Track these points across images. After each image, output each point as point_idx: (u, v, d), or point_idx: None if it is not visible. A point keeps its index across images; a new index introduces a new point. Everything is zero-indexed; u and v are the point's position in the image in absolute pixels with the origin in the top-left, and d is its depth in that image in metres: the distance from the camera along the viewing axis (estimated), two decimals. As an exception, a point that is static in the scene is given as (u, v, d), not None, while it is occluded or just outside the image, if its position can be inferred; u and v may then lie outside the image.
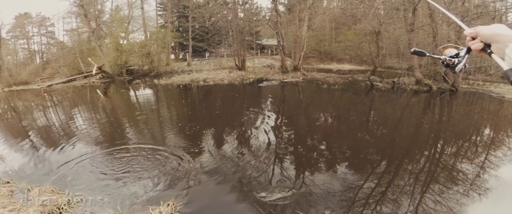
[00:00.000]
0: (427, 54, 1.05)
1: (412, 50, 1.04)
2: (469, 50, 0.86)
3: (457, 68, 0.94)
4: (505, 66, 0.65)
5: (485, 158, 5.46)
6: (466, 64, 0.93)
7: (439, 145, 6.53)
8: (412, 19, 16.17)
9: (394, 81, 15.95)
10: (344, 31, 30.32)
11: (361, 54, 27.41)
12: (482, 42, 0.75)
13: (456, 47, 0.98)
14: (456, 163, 5.31)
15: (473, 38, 0.80)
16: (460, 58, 0.93)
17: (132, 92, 19.52)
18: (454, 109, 10.87)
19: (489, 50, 0.73)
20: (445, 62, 0.96)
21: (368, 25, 22.27)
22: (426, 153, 6.00)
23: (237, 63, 27.14)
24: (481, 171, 4.86)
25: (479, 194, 4.14)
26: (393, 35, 21.78)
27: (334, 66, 28.58)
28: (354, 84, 17.40)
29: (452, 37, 16.55)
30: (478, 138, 6.90)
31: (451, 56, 0.95)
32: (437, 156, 5.87)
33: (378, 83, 16.32)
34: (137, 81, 25.22)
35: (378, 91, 14.62)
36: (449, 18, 17.82)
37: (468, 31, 0.82)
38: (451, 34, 16.85)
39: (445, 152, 6.05)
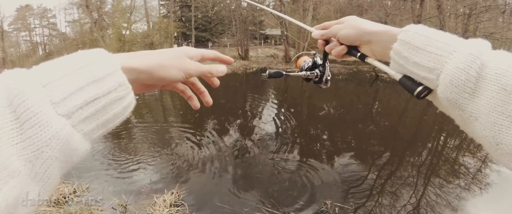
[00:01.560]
0: (284, 73, 0.82)
1: (267, 73, 0.81)
2: (326, 55, 0.71)
3: (322, 83, 0.77)
4: (394, 73, 0.49)
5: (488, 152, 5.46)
6: (330, 73, 0.77)
7: (442, 138, 6.52)
8: (420, 11, 15.85)
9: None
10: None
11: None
12: (343, 44, 0.59)
13: (308, 54, 0.82)
14: (458, 156, 5.31)
15: (327, 41, 0.64)
16: (320, 68, 0.77)
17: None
18: None
19: (358, 54, 0.58)
20: (306, 78, 0.78)
21: (375, 16, 21.86)
22: (429, 145, 6.00)
23: (240, 53, 27.00)
24: (483, 165, 4.86)
25: (480, 188, 4.16)
26: (400, 27, 21.41)
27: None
28: (359, 75, 17.27)
29: (460, 30, 16.25)
30: None
31: (308, 69, 0.79)
32: (439, 148, 5.87)
33: (382, 74, 16.16)
34: (141, 71, 25.25)
35: (382, 83, 14.51)
36: (457, 10, 17.42)
37: (316, 32, 0.65)
38: (458, 27, 16.53)
39: (448, 145, 6.04)
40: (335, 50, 0.60)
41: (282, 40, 26.20)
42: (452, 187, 4.19)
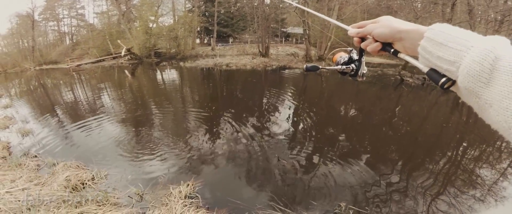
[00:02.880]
0: (320, 67, 0.92)
1: (304, 67, 0.91)
2: (362, 51, 0.76)
3: (358, 76, 0.83)
4: (423, 67, 0.55)
5: (508, 165, 5.13)
6: (366, 68, 0.83)
7: (462, 147, 6.21)
8: (450, 15, 15.10)
9: (424, 78, 15.11)
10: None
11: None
12: (377, 41, 0.66)
13: (345, 51, 0.88)
14: (476, 167, 5.05)
15: (362, 38, 0.70)
16: (356, 63, 0.83)
17: (159, 74, 20.18)
18: None
19: (392, 50, 0.64)
20: (342, 72, 0.85)
21: (404, 18, 21.03)
22: (447, 154, 5.74)
23: (261, 50, 26.99)
24: (501, 178, 4.59)
25: (496, 201, 3.94)
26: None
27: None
28: (383, 78, 16.72)
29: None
30: (503, 144, 6.45)
31: (344, 63, 0.85)
32: (458, 158, 5.60)
33: (408, 79, 15.58)
34: (164, 63, 25.99)
35: (407, 87, 13.98)
36: (488, 16, 16.47)
37: (352, 31, 0.72)
38: (488, 33, 15.57)
39: (467, 155, 5.75)
40: (370, 46, 0.67)
41: (303, 39, 25.84)
42: (467, 197, 4.00)
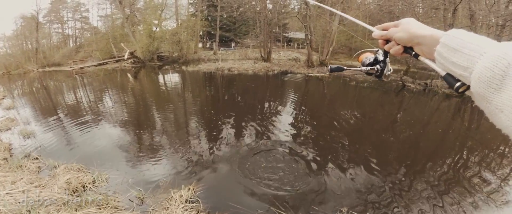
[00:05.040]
0: (345, 68, 0.95)
1: (328, 68, 0.95)
2: (386, 52, 0.78)
3: (384, 76, 0.85)
4: (440, 70, 0.57)
5: (511, 171, 5.09)
6: (391, 68, 0.85)
7: (463, 153, 6.16)
8: (452, 20, 15.10)
9: (426, 83, 15.08)
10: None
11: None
12: (399, 44, 0.68)
13: (371, 51, 0.89)
14: (478, 173, 5.00)
15: (386, 40, 0.72)
16: (381, 64, 0.84)
17: (161, 77, 20.27)
18: (485, 117, 9.97)
19: (413, 53, 0.66)
20: (367, 73, 0.87)
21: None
22: (449, 160, 5.70)
23: (263, 55, 27.08)
24: (502, 184, 4.54)
25: (496, 207, 3.90)
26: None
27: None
28: (385, 83, 16.68)
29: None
30: (506, 150, 6.40)
31: (370, 64, 0.86)
32: (460, 164, 5.56)
33: (409, 84, 15.53)
34: (167, 67, 26.11)
35: (409, 92, 13.94)
36: (489, 20, 16.44)
37: (376, 33, 0.74)
38: (490, 38, 15.57)
39: (469, 161, 5.71)
40: (393, 49, 0.70)
41: (305, 44, 25.92)
42: (468, 203, 3.96)
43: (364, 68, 0.87)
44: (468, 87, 0.51)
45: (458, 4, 14.60)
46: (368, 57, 0.89)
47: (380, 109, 10.79)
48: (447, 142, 7.01)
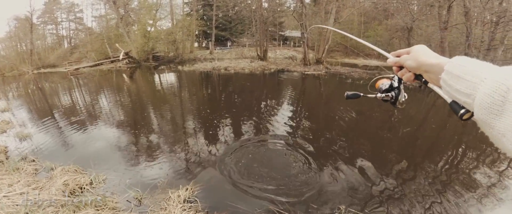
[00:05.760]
0: (362, 94, 0.97)
1: (345, 95, 0.97)
2: (400, 78, 0.79)
3: (398, 103, 0.85)
4: (447, 98, 0.58)
5: (508, 166, 5.16)
6: (406, 94, 0.85)
7: (460, 149, 6.24)
8: (447, 17, 15.26)
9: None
10: (374, 25, 29.21)
11: (391, 51, 26.31)
12: (410, 71, 0.70)
13: (388, 78, 0.91)
14: (474, 169, 5.07)
15: (401, 67, 0.74)
16: (396, 91, 0.85)
17: (157, 78, 20.18)
18: None
19: (423, 79, 0.67)
20: (382, 99, 0.88)
21: (401, 21, 21.25)
22: (446, 156, 5.76)
23: (259, 53, 27.08)
24: (500, 179, 4.61)
25: (493, 203, 3.96)
26: (426, 33, 20.73)
27: (360, 61, 27.63)
28: (380, 81, 16.79)
29: (486, 38, 15.41)
30: None
31: (385, 90, 0.87)
32: (457, 160, 5.63)
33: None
34: (162, 67, 26.00)
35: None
36: (484, 17, 16.57)
37: (391, 60, 0.76)
38: (485, 35, 15.72)
39: (466, 157, 5.78)
40: (405, 76, 0.72)
41: (301, 42, 25.97)
42: (466, 199, 4.01)
43: (379, 95, 0.89)
44: (472, 114, 0.52)
45: (453, 1, 14.73)
46: (384, 83, 0.91)
47: (376, 106, 10.87)
48: (444, 138, 7.09)
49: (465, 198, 4.05)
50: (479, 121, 0.49)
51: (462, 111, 0.54)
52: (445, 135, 7.42)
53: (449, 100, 0.57)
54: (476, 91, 0.48)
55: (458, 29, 16.57)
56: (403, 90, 0.86)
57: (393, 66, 0.76)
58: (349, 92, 0.94)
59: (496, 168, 5.05)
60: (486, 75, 0.47)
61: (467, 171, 5.02)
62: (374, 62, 27.24)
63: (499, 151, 6.07)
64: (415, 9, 22.73)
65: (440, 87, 0.61)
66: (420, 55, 0.65)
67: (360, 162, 5.22)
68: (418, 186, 4.37)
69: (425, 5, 20.13)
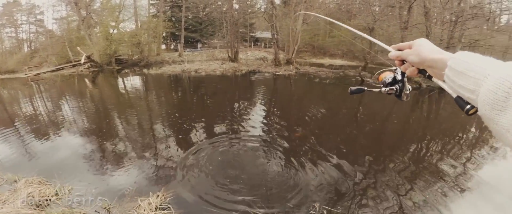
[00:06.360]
0: (366, 89, 0.97)
1: (349, 90, 0.96)
2: (404, 72, 0.78)
3: (403, 96, 0.86)
4: (452, 92, 0.59)
5: (470, 157, 5.63)
6: (410, 87, 0.86)
7: (424, 143, 6.69)
8: (407, 17, 16.21)
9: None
10: (338, 26, 30.43)
11: (354, 50, 27.75)
12: (413, 66, 0.69)
13: (391, 71, 0.91)
14: (440, 161, 5.46)
15: (403, 61, 0.73)
16: (400, 84, 0.86)
17: (120, 82, 19.25)
18: (442, 107, 11.10)
19: (427, 74, 0.68)
20: (387, 93, 0.88)
21: (363, 21, 22.33)
22: (411, 149, 6.14)
23: (230, 55, 26.93)
24: (464, 170, 5.01)
25: (460, 192, 4.29)
26: (387, 32, 21.94)
27: (327, 61, 28.72)
28: (345, 79, 17.54)
29: (445, 37, 16.65)
30: (464, 137, 7.07)
31: (389, 84, 0.88)
32: (422, 153, 6.03)
33: (368, 79, 16.51)
34: (126, 70, 24.83)
35: (368, 87, 14.79)
36: (443, 17, 17.77)
37: (392, 54, 0.75)
38: (444, 34, 16.95)
39: (431, 150, 6.21)
40: (408, 70, 0.71)
41: (272, 43, 26.30)
42: (434, 190, 4.30)
43: (383, 89, 0.89)
44: (477, 109, 0.52)
45: (413, 2, 15.62)
46: (387, 76, 0.90)
47: (343, 104, 11.32)
48: (408, 133, 7.55)
49: (433, 189, 4.32)
50: (483, 117, 0.49)
51: (468, 107, 0.54)
52: (409, 129, 7.90)
53: (454, 95, 0.58)
54: (480, 87, 0.48)
55: (418, 29, 17.63)
56: (407, 82, 0.86)
57: (395, 60, 0.75)
58: (353, 88, 0.93)
59: (459, 160, 5.46)
60: (489, 72, 0.47)
61: (433, 163, 5.38)
62: (339, 61, 28.47)
63: (461, 143, 6.61)
64: (377, 10, 24.04)
65: (444, 81, 0.61)
66: (423, 50, 0.64)
67: (332, 158, 5.38)
68: (387, 180, 4.60)
69: (387, 6, 21.28)
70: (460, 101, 0.56)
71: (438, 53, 0.62)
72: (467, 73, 0.51)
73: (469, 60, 0.51)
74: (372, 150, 6.07)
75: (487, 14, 18.44)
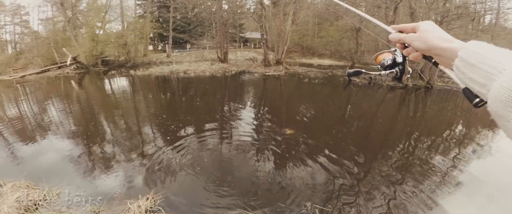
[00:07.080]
0: (363, 71, 0.92)
1: (346, 73, 0.92)
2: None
3: (404, 78, 0.84)
4: (460, 83, 0.55)
5: (458, 153, 5.81)
6: (410, 69, 0.84)
7: (412, 141, 6.85)
8: (393, 17, 16.52)
9: (371, 77, 16.40)
10: (326, 27, 30.83)
11: (341, 50, 28.27)
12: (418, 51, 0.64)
13: (389, 52, 0.87)
14: (428, 158, 5.61)
15: (405, 45, 0.68)
16: (400, 67, 0.83)
17: (107, 84, 18.87)
18: (429, 105, 11.42)
19: (433, 61, 0.64)
20: (385, 76, 0.86)
21: (350, 21, 22.70)
22: (399, 148, 6.28)
23: (220, 56, 26.80)
24: (453, 165, 5.17)
25: (449, 189, 4.41)
26: (373, 32, 22.37)
27: (315, 61, 29.05)
28: (333, 79, 17.79)
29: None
30: (451, 134, 7.28)
31: (388, 66, 0.85)
32: (410, 151, 6.17)
33: (355, 79, 16.77)
34: (113, 72, 24.38)
35: (355, 87, 15.05)
36: (429, 17, 18.10)
37: (394, 36, 0.69)
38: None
39: (418, 147, 6.36)
40: (412, 55, 0.65)
41: (261, 43, 26.36)
42: (424, 186, 4.41)
43: (383, 72, 0.85)
44: (486, 102, 0.49)
45: (399, 3, 15.88)
46: (386, 58, 0.86)
47: (331, 104, 11.48)
48: (396, 131, 7.72)
49: (423, 185, 4.43)
50: (492, 113, 0.46)
51: (477, 100, 0.51)
52: (397, 127, 8.07)
53: (462, 86, 0.54)
54: (492, 82, 0.45)
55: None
56: (407, 65, 0.83)
57: (396, 43, 0.69)
58: (351, 70, 0.89)
59: (447, 157, 5.62)
60: (505, 66, 0.43)
61: (422, 160, 5.52)
62: (327, 61, 28.85)
63: (449, 139, 6.81)
64: (363, 10, 24.50)
65: (451, 69, 0.57)
66: (431, 37, 0.59)
67: (322, 157, 5.44)
68: (377, 178, 4.69)
69: (373, 6, 21.65)
70: (468, 94, 0.53)
71: (447, 41, 0.57)
72: (479, 65, 0.47)
73: (483, 51, 0.48)
74: (361, 148, 6.18)
75: (472, 14, 18.83)
